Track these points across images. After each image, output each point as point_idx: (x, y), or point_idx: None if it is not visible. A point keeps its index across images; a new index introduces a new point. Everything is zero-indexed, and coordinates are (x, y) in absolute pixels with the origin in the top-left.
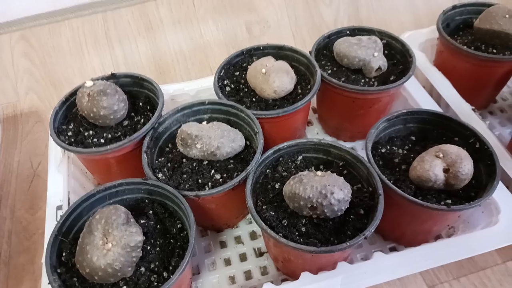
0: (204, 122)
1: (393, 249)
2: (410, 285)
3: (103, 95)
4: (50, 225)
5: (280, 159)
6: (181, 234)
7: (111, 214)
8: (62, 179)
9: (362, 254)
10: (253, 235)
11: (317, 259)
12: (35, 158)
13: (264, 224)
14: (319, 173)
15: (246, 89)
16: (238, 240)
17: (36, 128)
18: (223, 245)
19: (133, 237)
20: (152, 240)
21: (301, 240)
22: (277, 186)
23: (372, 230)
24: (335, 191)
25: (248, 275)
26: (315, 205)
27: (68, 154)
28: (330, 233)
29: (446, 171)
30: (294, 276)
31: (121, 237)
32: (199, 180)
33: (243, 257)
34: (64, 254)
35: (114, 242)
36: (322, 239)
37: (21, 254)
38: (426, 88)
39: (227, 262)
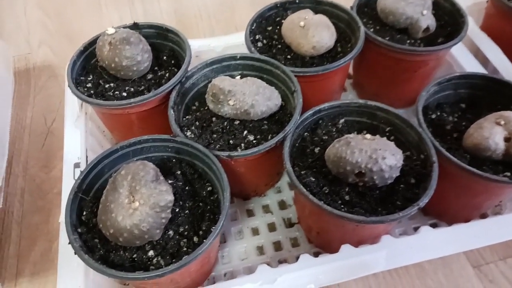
0: (238, 77)
1: (434, 226)
2: (454, 264)
3: (126, 44)
4: (67, 183)
5: (320, 121)
6: (211, 198)
7: (139, 170)
8: (80, 135)
9: (401, 230)
10: (282, 205)
11: (360, 231)
12: (49, 114)
13: (305, 190)
14: (368, 136)
15: (279, 45)
16: (266, 209)
17: (49, 83)
18: (250, 213)
19: (163, 196)
20: (181, 202)
21: (345, 209)
22: (316, 150)
23: (426, 201)
24: (387, 156)
25: (277, 246)
26: (363, 171)
27: (85, 109)
28: (376, 203)
29: (507, 140)
30: (328, 249)
31: (150, 195)
32: (231, 141)
33: (271, 227)
34: (84, 213)
35: (142, 201)
36: (368, 209)
37: (34, 214)
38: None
39: (255, 231)
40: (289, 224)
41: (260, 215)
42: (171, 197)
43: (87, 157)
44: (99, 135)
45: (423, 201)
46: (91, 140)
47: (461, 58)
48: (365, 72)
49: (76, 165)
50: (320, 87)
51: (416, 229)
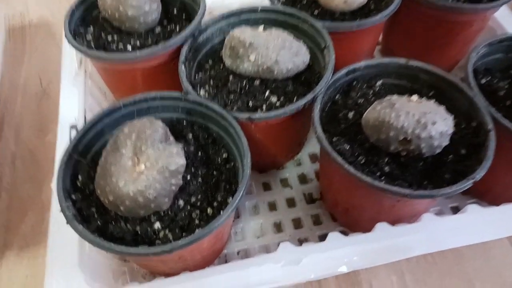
0: (260, 28)
1: None
2: (495, 250)
3: None
4: (62, 145)
5: (354, 83)
6: (227, 166)
7: (145, 127)
8: (78, 94)
9: (436, 209)
10: (302, 179)
11: (400, 208)
12: (44, 75)
13: (340, 158)
14: (414, 97)
15: (305, 0)
16: (284, 183)
17: (46, 42)
18: (266, 187)
19: (173, 159)
20: (192, 169)
21: (385, 182)
22: (350, 115)
23: (483, 174)
24: (437, 121)
25: (297, 223)
26: (409, 138)
27: (85, 67)
28: (421, 176)
29: None
30: (356, 228)
31: (158, 157)
32: (250, 102)
33: (290, 203)
34: (80, 178)
35: (148, 164)
36: (412, 183)
37: (26, 182)
38: None
39: (272, 207)
40: (310, 200)
41: (278, 189)
42: (182, 161)
43: (85, 118)
44: (100, 96)
45: (479, 174)
46: (90, 101)
47: (505, 21)
48: (398, 36)
49: (73, 127)
50: (350, 47)
51: (454, 209)
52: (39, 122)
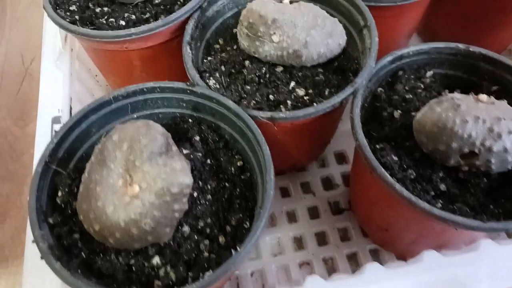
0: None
1: None
2: None
3: None
4: (42, 145)
5: (400, 73)
6: (242, 177)
7: (140, 135)
8: (62, 79)
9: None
10: (327, 183)
11: (455, 235)
12: (28, 52)
13: (388, 176)
14: (483, 97)
15: None
16: (306, 188)
17: (31, 12)
18: (284, 193)
19: (177, 178)
20: (200, 183)
21: (441, 204)
22: (396, 114)
23: None
24: None
25: (321, 238)
26: (476, 150)
27: (71, 45)
28: (486, 197)
29: None
30: (391, 248)
31: (157, 176)
32: (271, 96)
33: (313, 213)
34: (60, 194)
35: (144, 184)
36: (475, 205)
37: (5, 181)
38: None
39: (291, 217)
40: (337, 210)
41: (298, 196)
42: (188, 180)
43: (71, 109)
44: (90, 81)
45: None
46: (78, 87)
47: None
48: (443, 13)
49: (55, 120)
50: (390, 27)
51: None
52: (20, 109)
